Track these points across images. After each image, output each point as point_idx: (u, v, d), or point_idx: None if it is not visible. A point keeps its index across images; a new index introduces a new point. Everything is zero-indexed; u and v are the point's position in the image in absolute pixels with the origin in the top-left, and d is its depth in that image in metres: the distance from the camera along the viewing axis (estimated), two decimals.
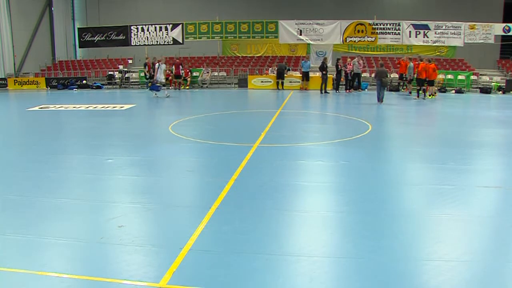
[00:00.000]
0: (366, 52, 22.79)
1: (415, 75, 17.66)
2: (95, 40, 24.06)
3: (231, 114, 12.95)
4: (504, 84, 20.59)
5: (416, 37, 21.72)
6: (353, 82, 19.70)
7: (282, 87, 20.99)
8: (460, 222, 4.37)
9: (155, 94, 17.20)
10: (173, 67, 21.13)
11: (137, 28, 23.44)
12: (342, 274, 3.37)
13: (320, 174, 6.31)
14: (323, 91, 18.83)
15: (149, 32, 23.37)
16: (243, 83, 22.23)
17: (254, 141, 8.24)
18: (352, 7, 24.73)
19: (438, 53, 22.17)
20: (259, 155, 7.22)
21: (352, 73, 19.41)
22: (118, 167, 6.65)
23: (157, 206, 4.84)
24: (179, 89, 21.04)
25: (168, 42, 23.40)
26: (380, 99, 14.81)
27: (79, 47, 25.96)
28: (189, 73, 22.29)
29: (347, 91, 19.39)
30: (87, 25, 26.27)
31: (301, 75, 21.08)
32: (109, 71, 24.21)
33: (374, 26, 21.92)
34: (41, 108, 14.57)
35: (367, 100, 16.20)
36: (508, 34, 21.00)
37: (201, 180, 6.11)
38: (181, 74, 21.34)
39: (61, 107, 14.88)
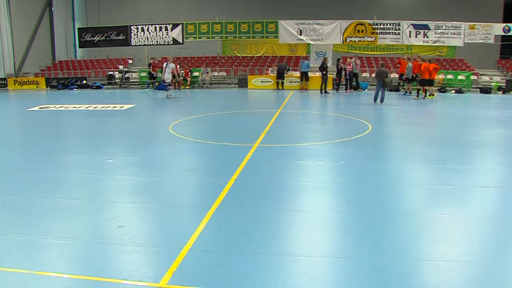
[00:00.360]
0: (366, 52, 22.80)
1: (415, 75, 17.66)
2: (95, 40, 24.07)
3: (231, 114, 12.95)
4: (504, 84, 20.60)
5: (416, 37, 21.73)
6: (351, 82, 19.72)
7: (282, 87, 20.99)
8: (460, 222, 4.37)
9: (169, 95, 16.68)
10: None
11: (137, 28, 23.45)
12: (342, 274, 3.37)
13: (320, 174, 6.31)
14: (323, 91, 18.84)
15: (149, 32, 23.38)
16: (243, 83, 22.23)
17: (254, 141, 8.24)
18: (352, 7, 24.73)
19: (438, 53, 22.18)
20: (259, 155, 7.22)
21: (351, 73, 19.43)
22: (118, 167, 6.64)
23: (157, 206, 4.84)
24: (178, 89, 21.04)
25: (168, 42, 23.41)
26: (381, 99, 14.78)
27: (79, 47, 25.97)
28: (189, 73, 22.30)
29: (347, 91, 19.40)
30: (87, 25, 26.28)
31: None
32: (109, 71, 24.21)
33: (374, 26, 21.93)
34: (41, 108, 14.57)
35: (367, 100, 16.19)
36: (508, 34, 21.01)
37: (201, 180, 6.11)
38: (179, 74, 21.33)
39: (61, 107, 14.88)
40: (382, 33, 21.95)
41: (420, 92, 17.06)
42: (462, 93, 20.07)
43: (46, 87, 23.17)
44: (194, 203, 5.11)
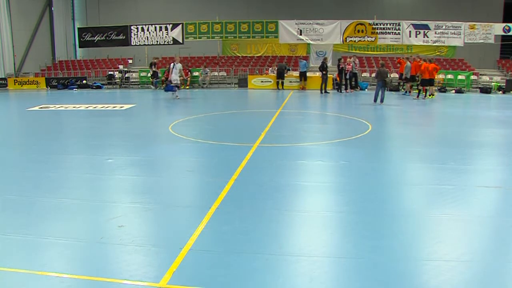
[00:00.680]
0: (366, 52, 22.81)
1: (416, 75, 17.65)
2: (95, 40, 24.08)
3: (231, 114, 12.95)
4: (504, 84, 20.59)
5: (416, 37, 21.74)
6: (351, 82, 19.71)
7: (282, 87, 20.99)
8: (460, 222, 4.36)
9: (177, 96, 16.31)
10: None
11: (137, 28, 23.46)
12: (342, 274, 3.37)
13: (320, 174, 6.31)
14: (323, 91, 18.84)
15: (149, 32, 23.39)
16: (243, 83, 22.23)
17: (254, 141, 8.24)
18: (352, 7, 24.74)
19: (438, 53, 22.19)
20: (259, 155, 7.22)
21: (351, 73, 19.42)
22: (118, 167, 6.64)
23: (157, 206, 4.84)
24: (179, 89, 21.00)
25: (168, 42, 23.42)
26: (381, 99, 14.77)
27: (79, 47, 25.99)
28: (189, 73, 22.29)
29: (347, 91, 19.39)
30: (87, 25, 26.28)
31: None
32: (109, 71, 24.21)
33: (374, 26, 21.93)
34: (41, 108, 14.57)
35: (367, 100, 16.18)
36: (508, 34, 21.02)
37: (201, 180, 6.11)
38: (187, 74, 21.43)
39: (61, 107, 14.88)
40: (382, 33, 21.95)
41: (421, 92, 17.05)
42: (462, 93, 20.07)
43: (46, 87, 23.18)
44: (194, 203, 5.11)
